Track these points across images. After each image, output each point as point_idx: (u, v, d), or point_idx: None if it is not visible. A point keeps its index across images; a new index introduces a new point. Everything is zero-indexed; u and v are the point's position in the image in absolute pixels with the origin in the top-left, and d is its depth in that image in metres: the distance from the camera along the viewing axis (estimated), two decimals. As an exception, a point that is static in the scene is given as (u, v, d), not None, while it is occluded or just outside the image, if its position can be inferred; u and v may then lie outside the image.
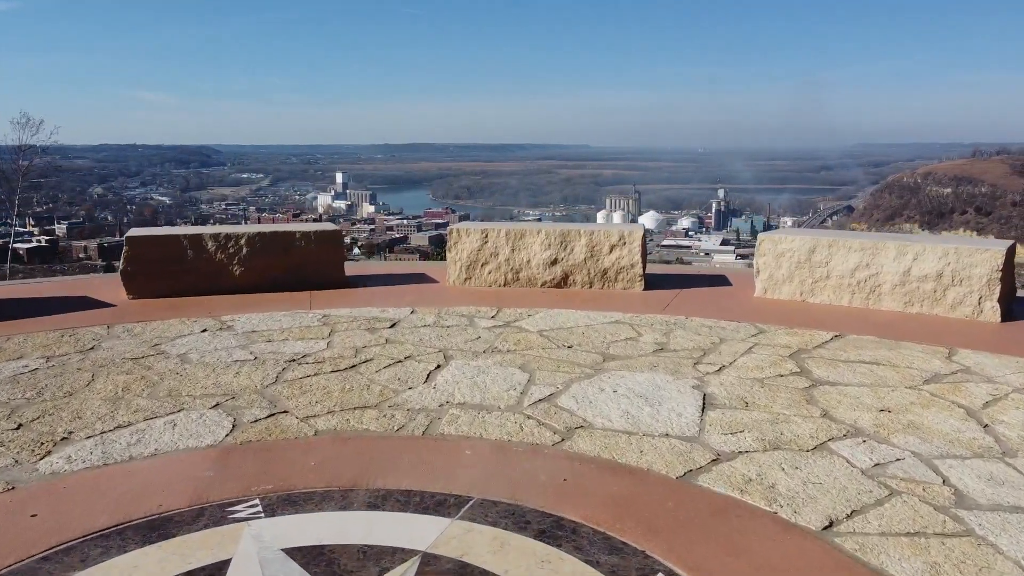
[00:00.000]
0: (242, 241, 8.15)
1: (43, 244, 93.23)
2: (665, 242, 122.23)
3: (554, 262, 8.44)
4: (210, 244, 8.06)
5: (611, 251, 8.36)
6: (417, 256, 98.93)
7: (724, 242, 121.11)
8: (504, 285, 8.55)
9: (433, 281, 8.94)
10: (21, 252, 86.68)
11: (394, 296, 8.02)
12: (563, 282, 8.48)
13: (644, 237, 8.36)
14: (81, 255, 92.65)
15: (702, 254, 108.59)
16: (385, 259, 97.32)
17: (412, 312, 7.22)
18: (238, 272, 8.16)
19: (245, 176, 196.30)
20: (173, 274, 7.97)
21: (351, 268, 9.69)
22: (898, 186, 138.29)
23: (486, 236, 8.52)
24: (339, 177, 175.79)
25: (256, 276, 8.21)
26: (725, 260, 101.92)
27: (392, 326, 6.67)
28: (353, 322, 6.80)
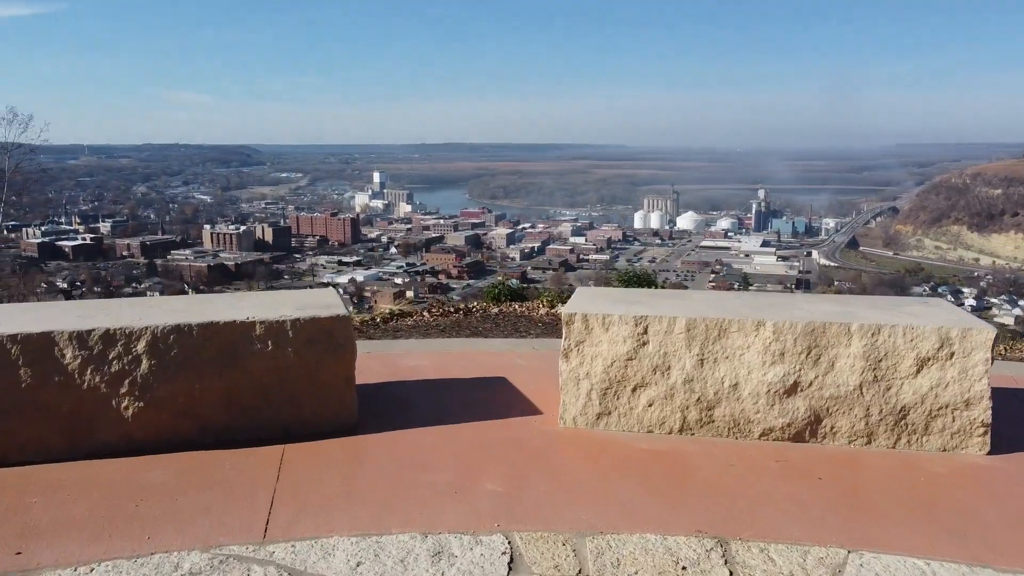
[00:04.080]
0: (138, 346, 3.84)
1: (88, 242, 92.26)
2: (704, 243, 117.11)
3: (793, 388, 4.01)
4: (70, 355, 3.77)
5: (919, 370, 3.90)
6: (453, 256, 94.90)
7: (764, 243, 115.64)
8: (681, 431, 4.14)
9: (528, 409, 4.55)
10: (67, 250, 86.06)
11: (453, 471, 3.66)
12: (809, 431, 4.05)
13: (995, 343, 3.88)
14: (124, 253, 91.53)
15: (742, 255, 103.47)
16: (422, 257, 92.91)
17: (510, 566, 2.85)
18: (131, 410, 3.86)
19: (284, 175, 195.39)
20: (-8, 416, 3.71)
21: (367, 356, 5.33)
22: (945, 187, 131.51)
23: (645, 331, 4.11)
24: (376, 177, 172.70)
25: (167, 418, 3.91)
26: (766, 262, 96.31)
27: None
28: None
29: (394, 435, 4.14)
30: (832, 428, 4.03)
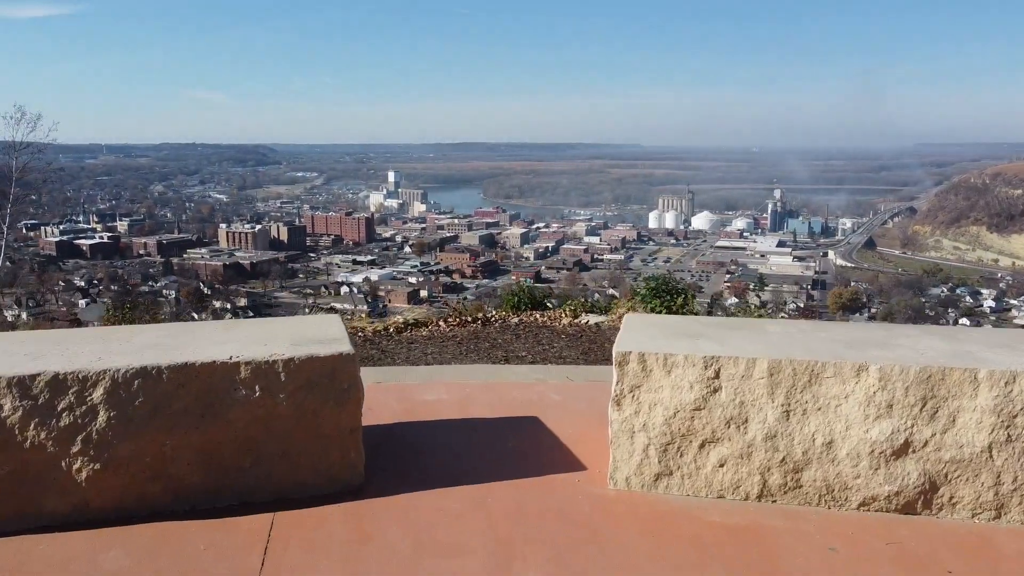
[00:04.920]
0: (94, 394, 3.12)
1: (105, 241, 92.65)
2: (720, 243, 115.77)
3: (903, 449, 3.23)
4: (9, 406, 3.05)
5: (1066, 428, 3.11)
6: (468, 256, 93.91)
7: (780, 244, 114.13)
8: (760, 497, 3.37)
9: (569, 463, 3.78)
10: (84, 248, 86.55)
11: (483, 556, 2.91)
12: (922, 501, 3.27)
13: None
14: (141, 251, 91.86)
15: (758, 256, 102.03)
16: (436, 257, 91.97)
17: None
18: (85, 473, 3.14)
19: (300, 175, 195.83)
20: (-85, 480, 3.00)
21: (378, 387, 4.60)
22: (965, 187, 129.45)
23: (716, 374, 3.34)
24: (391, 176, 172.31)
25: (130, 482, 3.19)
26: (782, 263, 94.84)
27: None
28: None
29: (408, 499, 3.39)
30: (951, 498, 3.25)
